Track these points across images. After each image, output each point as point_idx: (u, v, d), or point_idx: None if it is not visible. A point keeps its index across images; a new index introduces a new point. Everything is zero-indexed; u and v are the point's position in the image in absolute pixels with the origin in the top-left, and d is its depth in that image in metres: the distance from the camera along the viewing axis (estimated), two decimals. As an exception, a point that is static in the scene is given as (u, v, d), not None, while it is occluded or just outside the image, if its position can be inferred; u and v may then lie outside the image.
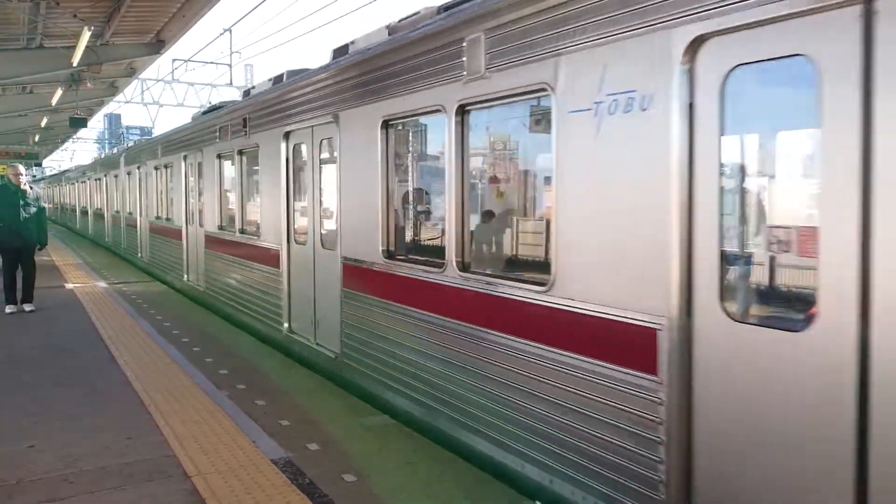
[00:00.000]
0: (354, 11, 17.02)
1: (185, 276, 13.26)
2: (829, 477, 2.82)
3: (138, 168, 17.47)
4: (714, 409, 3.30)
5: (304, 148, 7.90)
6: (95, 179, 25.31)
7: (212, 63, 30.79)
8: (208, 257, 11.69)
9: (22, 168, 11.18)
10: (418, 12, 7.08)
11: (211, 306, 11.45)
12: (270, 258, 8.68)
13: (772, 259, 3.26)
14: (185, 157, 13.00)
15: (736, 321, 3.20)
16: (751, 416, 3.12)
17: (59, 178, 43.55)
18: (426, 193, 6.70)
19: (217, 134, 10.85)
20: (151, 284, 14.67)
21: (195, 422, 5.71)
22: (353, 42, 7.17)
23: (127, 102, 34.10)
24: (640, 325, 3.57)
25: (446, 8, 5.84)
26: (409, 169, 6.73)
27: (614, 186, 3.74)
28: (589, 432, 3.93)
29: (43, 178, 55.55)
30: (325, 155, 7.39)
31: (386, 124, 6.02)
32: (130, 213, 18.13)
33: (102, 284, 14.33)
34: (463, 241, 5.11)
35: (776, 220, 3.35)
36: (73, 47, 15.34)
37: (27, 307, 10.95)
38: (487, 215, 5.75)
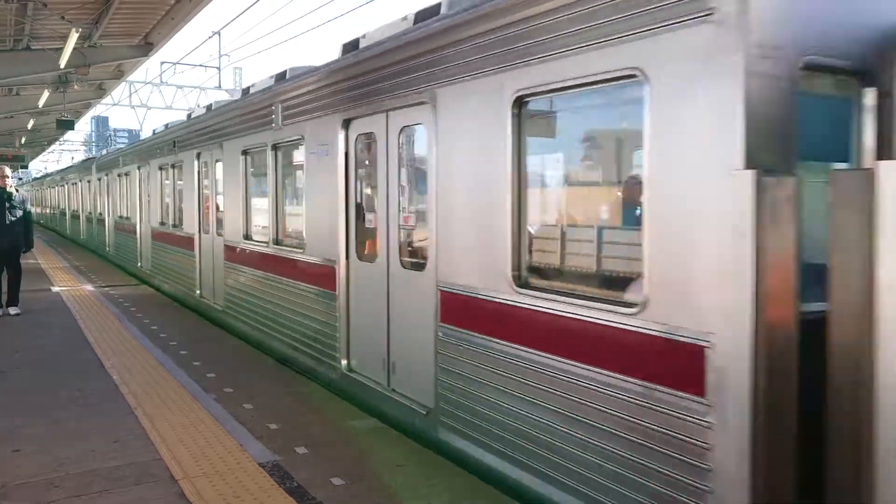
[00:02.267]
0: (344, 15, 17.04)
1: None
2: None
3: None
4: None
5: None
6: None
7: (201, 66, 30.76)
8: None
9: (8, 170, 11.11)
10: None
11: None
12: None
13: None
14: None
15: None
16: None
17: (71, 174, 29.85)
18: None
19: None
20: (139, 288, 14.57)
21: (183, 425, 5.68)
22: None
23: (115, 105, 33.98)
24: None
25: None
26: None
27: None
28: None
29: (45, 177, 45.97)
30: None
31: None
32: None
33: (89, 287, 14.23)
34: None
35: None
36: (61, 49, 15.27)
37: (13, 310, 10.87)
38: None
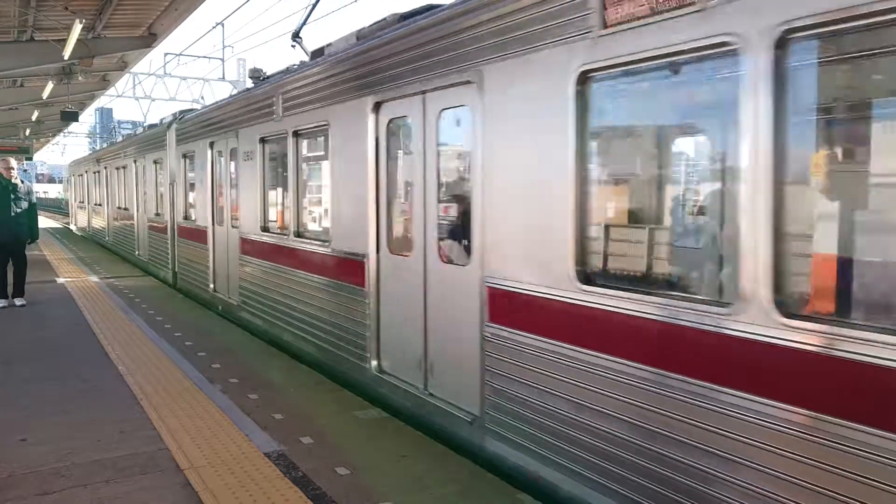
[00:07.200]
0: (346, 7, 16.97)
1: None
2: None
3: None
4: None
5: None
6: None
7: (204, 57, 30.72)
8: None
9: (13, 162, 11.12)
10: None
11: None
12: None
13: None
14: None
15: None
16: None
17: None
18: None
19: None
20: (143, 279, 14.63)
21: (188, 416, 5.70)
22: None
23: (119, 96, 34.01)
24: None
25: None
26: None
27: None
28: None
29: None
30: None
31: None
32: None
33: (94, 279, 14.27)
34: None
35: None
36: (65, 41, 15.24)
37: (18, 302, 10.91)
38: None
